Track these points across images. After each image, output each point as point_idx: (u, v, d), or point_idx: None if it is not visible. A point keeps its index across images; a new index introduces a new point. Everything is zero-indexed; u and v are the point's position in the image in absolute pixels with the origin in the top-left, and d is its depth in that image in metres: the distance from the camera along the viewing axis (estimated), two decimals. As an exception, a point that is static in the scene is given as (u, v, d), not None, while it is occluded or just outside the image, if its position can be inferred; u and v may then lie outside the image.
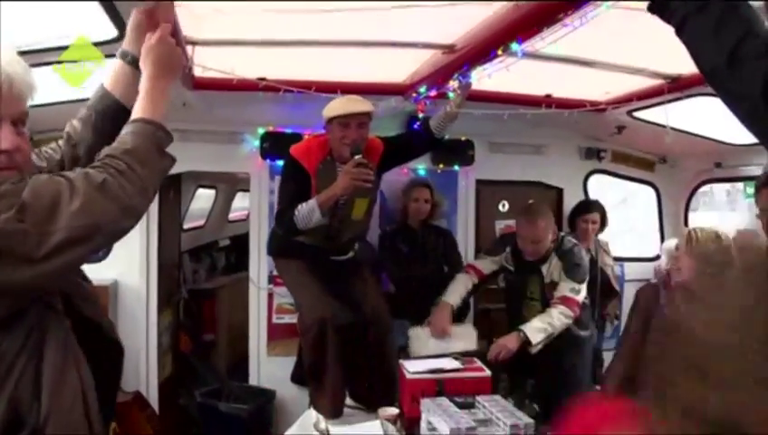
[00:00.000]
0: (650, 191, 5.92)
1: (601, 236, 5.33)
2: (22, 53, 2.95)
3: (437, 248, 5.04)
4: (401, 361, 3.98)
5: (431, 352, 4.24)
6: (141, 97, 1.88)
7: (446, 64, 3.61)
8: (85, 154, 2.00)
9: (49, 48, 3.10)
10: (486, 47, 3.09)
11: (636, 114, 4.69)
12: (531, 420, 3.22)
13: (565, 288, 4.36)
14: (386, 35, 3.54)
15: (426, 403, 3.44)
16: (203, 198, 7.82)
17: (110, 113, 2.02)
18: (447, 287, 4.59)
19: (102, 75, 2.16)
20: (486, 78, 3.59)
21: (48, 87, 3.88)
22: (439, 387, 3.66)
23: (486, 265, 4.70)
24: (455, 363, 3.88)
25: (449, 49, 3.51)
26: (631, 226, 5.54)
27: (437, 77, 3.84)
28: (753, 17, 1.45)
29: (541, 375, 4.20)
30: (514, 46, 2.90)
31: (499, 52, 3.03)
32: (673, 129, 4.18)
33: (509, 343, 4.14)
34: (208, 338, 6.94)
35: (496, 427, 3.20)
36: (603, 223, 5.30)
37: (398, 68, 4.22)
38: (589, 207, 5.30)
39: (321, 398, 4.06)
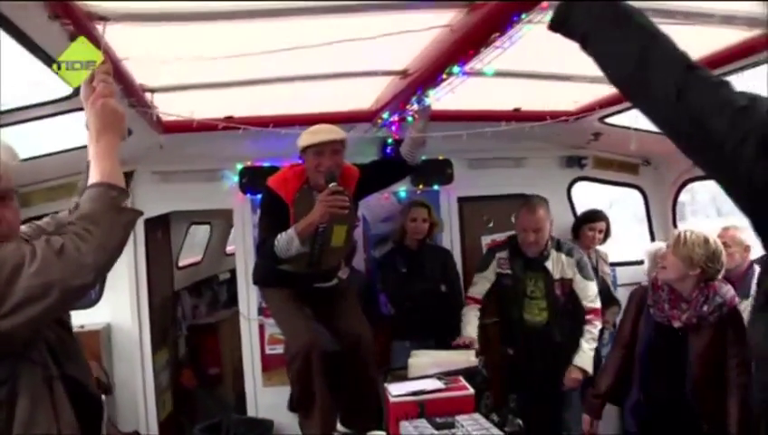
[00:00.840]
0: (636, 194, 5.92)
1: (599, 246, 5.36)
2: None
3: (435, 268, 5.07)
4: (386, 384, 3.98)
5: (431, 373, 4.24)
6: (92, 160, 2.02)
7: (402, 89, 3.67)
8: None
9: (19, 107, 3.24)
10: (433, 71, 3.15)
11: (608, 120, 4.72)
12: (505, 437, 3.22)
13: (588, 292, 4.57)
14: (345, 67, 3.60)
15: (404, 426, 3.46)
16: (198, 234, 7.89)
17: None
18: (462, 325, 4.63)
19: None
20: (456, 96, 3.64)
21: (29, 142, 4.04)
22: (421, 409, 3.66)
23: (482, 288, 4.73)
24: (437, 384, 3.87)
25: (403, 74, 3.57)
26: (620, 230, 5.53)
27: (398, 101, 3.90)
28: (649, 24, 1.48)
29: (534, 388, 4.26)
30: (456, 69, 2.95)
31: (444, 75, 3.08)
32: (650, 132, 4.19)
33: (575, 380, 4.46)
34: (213, 372, 6.99)
35: (472, 446, 3.21)
36: (607, 233, 5.36)
37: (362, 96, 4.28)
38: (595, 215, 5.37)
39: (311, 426, 4.09)
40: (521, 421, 3.73)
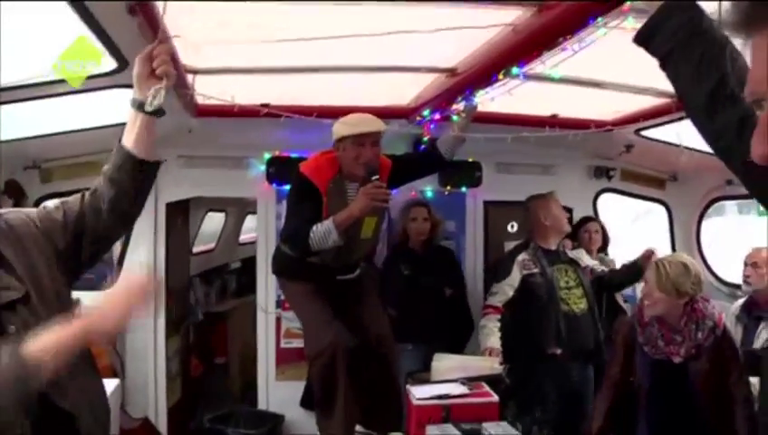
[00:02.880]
0: (662, 210, 5.86)
1: (604, 255, 5.31)
2: (31, 86, 3.02)
3: (439, 269, 4.97)
4: (408, 386, 3.92)
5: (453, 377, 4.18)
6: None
7: (448, 88, 3.60)
8: (107, 205, 2.07)
9: (54, 81, 3.16)
10: (487, 71, 3.09)
11: (644, 133, 4.67)
12: (536, 448, 3.17)
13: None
14: (388, 60, 3.54)
15: (431, 430, 3.40)
16: (212, 222, 7.83)
17: (122, 164, 2.07)
18: (482, 335, 4.54)
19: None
20: (490, 99, 3.59)
21: (57, 117, 3.97)
22: (446, 413, 3.60)
23: (503, 296, 4.59)
24: (462, 389, 3.81)
25: (451, 72, 3.51)
26: (643, 244, 5.48)
27: (441, 100, 3.84)
28: (729, 56, 1.46)
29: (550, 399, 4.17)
30: (515, 70, 2.88)
31: (500, 76, 3.02)
32: (680, 147, 4.14)
33: None
34: (220, 361, 6.94)
35: (501, 455, 3.15)
36: (605, 238, 5.34)
37: (402, 92, 4.22)
38: (587, 219, 5.38)
39: (331, 424, 4.01)
40: (545, 432, 3.68)
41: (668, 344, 3.45)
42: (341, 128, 3.74)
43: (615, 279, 4.80)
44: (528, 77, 3.00)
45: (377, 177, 3.66)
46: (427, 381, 4.05)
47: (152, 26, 2.33)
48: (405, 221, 4.98)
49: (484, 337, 4.55)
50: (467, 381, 3.93)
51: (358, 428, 4.10)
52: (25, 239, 2.01)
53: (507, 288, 4.58)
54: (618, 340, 3.75)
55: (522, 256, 4.61)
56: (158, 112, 2.08)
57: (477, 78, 3.24)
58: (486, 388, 3.91)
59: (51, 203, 2.18)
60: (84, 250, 2.09)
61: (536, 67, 2.85)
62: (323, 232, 3.62)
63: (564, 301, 4.52)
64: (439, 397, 3.71)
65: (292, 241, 3.87)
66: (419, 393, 3.77)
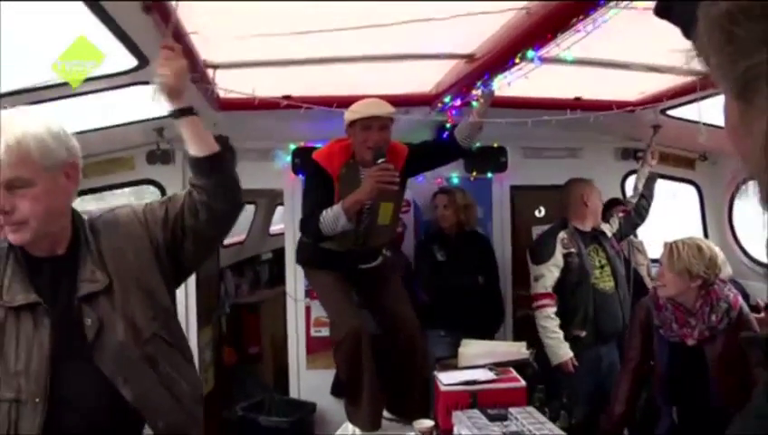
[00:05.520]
0: (692, 190, 5.77)
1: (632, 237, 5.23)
2: (53, 87, 3.07)
3: (474, 257, 4.97)
4: (435, 372, 3.93)
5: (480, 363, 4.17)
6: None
7: (467, 73, 3.59)
8: (200, 206, 2.13)
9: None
10: (504, 55, 3.07)
11: (670, 112, 4.60)
12: (561, 433, 3.16)
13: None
14: (408, 48, 3.54)
15: (457, 416, 3.41)
16: (242, 213, 7.86)
17: (193, 169, 2.16)
18: (549, 343, 4.42)
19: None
20: (514, 83, 3.56)
21: (88, 115, 4.04)
22: (473, 399, 3.61)
23: (550, 279, 4.48)
24: (489, 374, 3.82)
25: (470, 58, 3.50)
26: (673, 226, 5.40)
27: (461, 86, 3.82)
28: None
29: (576, 384, 4.15)
30: (530, 54, 2.86)
31: (516, 60, 3.00)
32: (710, 125, 4.07)
33: None
34: (253, 351, 7.01)
35: (527, 440, 3.15)
36: (635, 216, 5.21)
37: (424, 79, 4.21)
38: (615, 201, 5.26)
39: (358, 411, 4.06)
40: (572, 418, 3.67)
41: (682, 327, 3.43)
42: (350, 112, 3.84)
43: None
44: (544, 60, 2.97)
45: (383, 160, 3.68)
46: (454, 367, 4.06)
47: (167, 23, 2.36)
48: (433, 209, 5.03)
49: (552, 349, 4.40)
50: (495, 366, 3.94)
51: (385, 414, 4.14)
52: (127, 234, 2.11)
53: (554, 269, 4.49)
54: (635, 323, 3.75)
55: (562, 235, 4.57)
56: (180, 112, 2.12)
57: (495, 62, 3.22)
58: (514, 373, 3.91)
59: (157, 199, 2.27)
60: (186, 250, 2.15)
61: (552, 50, 2.82)
62: (332, 217, 3.70)
63: (597, 281, 4.50)
64: (467, 383, 3.72)
65: (304, 227, 4.01)
66: (447, 380, 3.78)
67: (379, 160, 3.71)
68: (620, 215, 4.85)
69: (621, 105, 4.20)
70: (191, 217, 2.12)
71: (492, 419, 3.33)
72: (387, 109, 3.81)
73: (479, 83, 3.58)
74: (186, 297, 5.07)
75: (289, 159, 5.07)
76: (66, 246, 2.05)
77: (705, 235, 5.61)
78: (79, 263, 2.02)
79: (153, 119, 4.30)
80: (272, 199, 7.79)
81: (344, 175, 3.89)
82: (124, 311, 2.02)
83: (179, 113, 2.11)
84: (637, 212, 4.82)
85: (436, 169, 4.63)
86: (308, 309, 5.19)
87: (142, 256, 2.09)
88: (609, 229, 4.75)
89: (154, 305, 2.09)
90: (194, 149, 2.11)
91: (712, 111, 4.03)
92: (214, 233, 2.25)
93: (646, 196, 4.85)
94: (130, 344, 2.02)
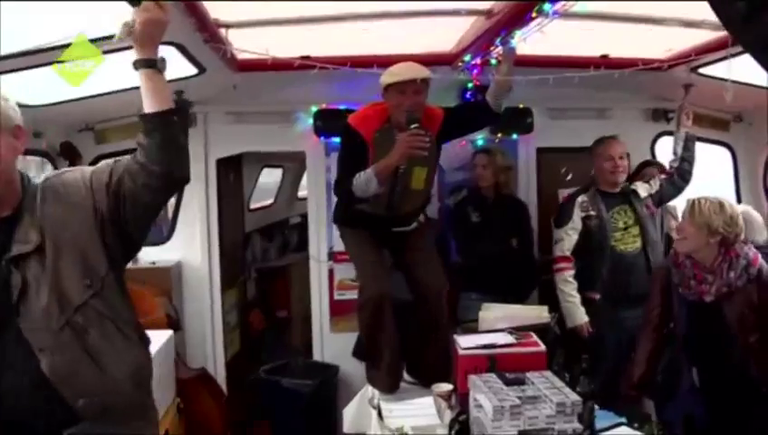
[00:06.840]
0: (725, 153, 5.59)
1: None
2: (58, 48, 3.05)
3: (508, 220, 4.92)
4: (455, 336, 3.89)
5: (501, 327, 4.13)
6: None
7: (486, 30, 3.50)
8: (139, 167, 2.05)
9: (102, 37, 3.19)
10: (521, 10, 2.97)
11: (702, 70, 4.43)
12: (578, 398, 3.09)
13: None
14: (427, 5, 3.46)
15: (472, 380, 3.37)
16: (271, 177, 7.90)
17: (142, 126, 2.07)
18: (566, 307, 4.41)
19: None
20: (540, 43, 3.46)
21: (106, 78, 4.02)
22: (491, 363, 3.56)
23: (569, 243, 4.47)
24: (509, 338, 3.76)
25: (488, 14, 3.40)
26: (707, 189, 5.24)
27: (480, 43, 3.74)
28: None
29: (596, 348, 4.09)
30: (546, 6, 2.77)
31: (534, 13, 2.90)
32: (743, 83, 3.91)
33: None
34: (282, 315, 7.06)
35: (543, 404, 3.10)
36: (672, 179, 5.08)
37: (444, 37, 4.13)
38: (646, 163, 5.14)
39: (378, 374, 4.06)
40: (591, 383, 3.61)
41: (700, 283, 3.41)
42: (385, 77, 3.79)
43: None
44: (559, 14, 2.87)
45: (416, 125, 3.63)
46: (475, 330, 4.01)
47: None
48: (472, 168, 4.99)
49: (569, 312, 4.40)
50: (515, 330, 3.88)
51: (405, 377, 4.13)
52: (71, 198, 2.05)
53: (572, 232, 4.48)
54: (655, 284, 3.72)
55: (581, 198, 4.52)
56: (142, 63, 2.04)
57: (512, 17, 3.12)
58: (534, 337, 3.84)
59: (104, 162, 2.17)
60: (126, 216, 2.07)
61: (567, 4, 2.72)
62: (364, 180, 3.71)
63: (618, 243, 4.41)
64: (485, 347, 3.67)
65: (338, 190, 4.01)
66: (465, 343, 3.73)
67: (412, 126, 3.66)
68: (663, 177, 4.70)
69: (647, 62, 4.05)
70: (130, 181, 2.04)
71: (508, 383, 3.28)
72: (420, 73, 3.73)
73: (498, 40, 3.48)
74: (210, 260, 5.12)
75: (311, 121, 5.01)
76: (13, 209, 2.02)
77: (738, 199, 5.45)
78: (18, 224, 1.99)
79: (173, 80, 4.27)
80: (299, 163, 7.79)
81: (378, 139, 3.84)
82: (54, 276, 1.96)
83: (140, 63, 2.03)
84: (680, 175, 4.66)
85: (470, 133, 4.58)
86: (331, 272, 5.18)
87: (83, 221, 2.03)
88: (646, 190, 4.60)
89: (90, 274, 2.02)
90: (146, 105, 2.04)
91: (745, 68, 3.88)
92: (147, 199, 2.08)
93: (686, 158, 4.67)
94: (54, 311, 1.95)
